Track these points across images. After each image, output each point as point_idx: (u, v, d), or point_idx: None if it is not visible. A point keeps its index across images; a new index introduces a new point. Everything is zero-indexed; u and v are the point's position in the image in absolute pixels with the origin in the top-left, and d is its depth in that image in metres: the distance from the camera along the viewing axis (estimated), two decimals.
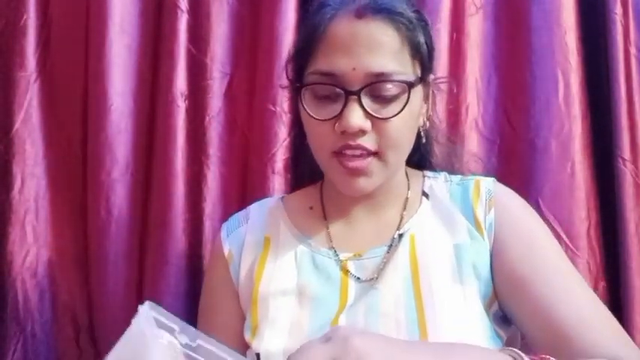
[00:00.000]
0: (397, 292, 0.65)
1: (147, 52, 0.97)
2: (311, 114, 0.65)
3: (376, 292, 0.66)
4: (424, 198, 0.73)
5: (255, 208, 0.80)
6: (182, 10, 0.94)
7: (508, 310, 0.66)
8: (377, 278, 0.67)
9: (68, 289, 0.96)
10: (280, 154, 0.92)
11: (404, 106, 0.63)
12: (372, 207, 0.73)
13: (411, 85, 0.64)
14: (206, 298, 0.79)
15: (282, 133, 0.92)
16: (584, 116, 0.91)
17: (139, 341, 0.42)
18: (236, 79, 0.97)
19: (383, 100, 0.63)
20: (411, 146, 0.70)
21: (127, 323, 1.01)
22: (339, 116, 0.63)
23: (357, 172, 0.64)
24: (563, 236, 0.88)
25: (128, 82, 0.95)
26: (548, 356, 0.51)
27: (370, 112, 0.62)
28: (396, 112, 0.63)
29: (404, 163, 0.73)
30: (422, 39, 0.66)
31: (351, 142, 0.63)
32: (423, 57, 0.67)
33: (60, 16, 0.97)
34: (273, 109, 0.92)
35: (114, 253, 0.92)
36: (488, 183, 0.72)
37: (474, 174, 0.78)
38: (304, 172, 0.84)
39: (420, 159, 0.79)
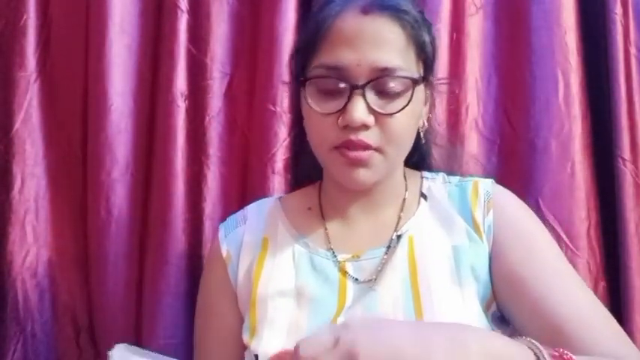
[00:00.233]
0: (395, 294, 0.65)
1: (147, 52, 0.97)
2: (314, 107, 0.65)
3: (374, 294, 0.66)
4: (422, 199, 0.73)
5: (252, 209, 0.80)
6: (182, 10, 0.94)
7: (507, 311, 0.65)
8: (375, 280, 0.67)
9: (68, 289, 0.96)
10: (280, 154, 0.92)
11: (408, 103, 0.64)
12: (369, 207, 0.73)
13: (415, 82, 0.64)
14: (204, 299, 0.79)
15: (282, 133, 0.92)
16: (584, 116, 0.91)
17: None
18: (236, 79, 0.97)
19: (387, 95, 0.63)
20: (411, 145, 0.70)
21: (127, 323, 1.01)
22: (342, 110, 0.63)
23: (358, 163, 0.64)
24: (563, 236, 0.88)
25: (128, 82, 0.95)
26: (567, 352, 0.49)
27: (374, 107, 0.63)
28: (399, 108, 0.63)
29: (402, 163, 0.73)
30: (427, 38, 0.67)
31: (353, 138, 0.63)
32: (428, 57, 0.68)
33: (60, 16, 0.97)
34: (273, 109, 0.92)
35: (114, 253, 0.92)
36: (487, 184, 0.72)
37: (472, 175, 0.78)
38: (304, 172, 0.84)
39: (418, 160, 0.79)
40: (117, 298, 0.92)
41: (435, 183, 0.75)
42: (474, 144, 0.94)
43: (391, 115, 0.63)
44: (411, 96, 0.64)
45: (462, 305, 0.63)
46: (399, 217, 0.72)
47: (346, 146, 0.64)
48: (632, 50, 0.91)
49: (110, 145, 0.93)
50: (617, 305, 0.87)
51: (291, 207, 0.78)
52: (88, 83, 0.95)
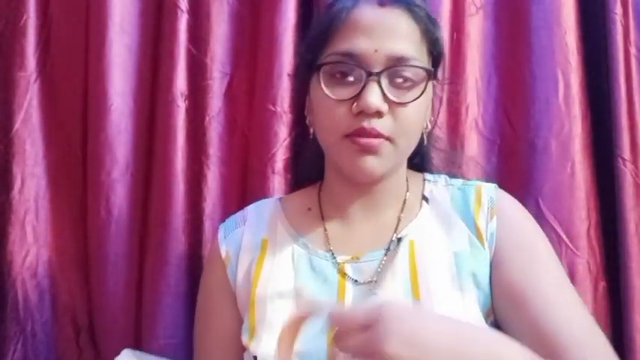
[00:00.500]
0: (396, 297, 0.64)
1: (147, 52, 0.97)
2: (328, 94, 0.64)
3: (374, 296, 0.65)
4: (424, 202, 0.73)
5: (252, 210, 0.80)
6: (182, 10, 0.94)
7: (503, 320, 0.65)
8: (375, 282, 0.67)
9: (68, 289, 0.95)
10: (280, 154, 0.92)
11: (422, 93, 0.64)
12: (370, 206, 0.72)
13: (429, 74, 0.65)
14: (203, 300, 0.79)
15: (282, 133, 0.92)
16: (584, 116, 0.91)
17: None
18: (236, 79, 0.97)
19: (401, 85, 0.64)
20: (417, 141, 0.70)
21: (127, 323, 1.01)
22: (357, 96, 0.63)
23: (369, 150, 0.64)
24: (563, 236, 0.88)
25: (128, 82, 0.95)
26: None
27: (389, 95, 0.63)
28: (414, 98, 0.64)
29: (406, 162, 0.73)
30: (439, 35, 0.68)
31: (366, 125, 0.63)
32: (439, 53, 0.69)
33: (60, 16, 0.97)
34: (273, 109, 0.92)
35: (114, 253, 0.92)
36: (490, 190, 0.72)
37: (475, 179, 0.77)
38: (304, 172, 0.84)
39: (420, 162, 0.79)
40: (117, 298, 0.92)
41: (437, 186, 0.75)
42: (473, 144, 0.94)
43: (405, 104, 0.64)
44: (425, 87, 0.65)
45: (462, 312, 0.63)
46: (399, 219, 0.72)
47: (358, 134, 0.63)
48: (632, 50, 0.91)
49: (110, 145, 0.93)
50: (617, 305, 0.87)
51: (290, 208, 0.77)
52: (88, 83, 0.95)
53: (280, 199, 0.81)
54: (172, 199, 0.92)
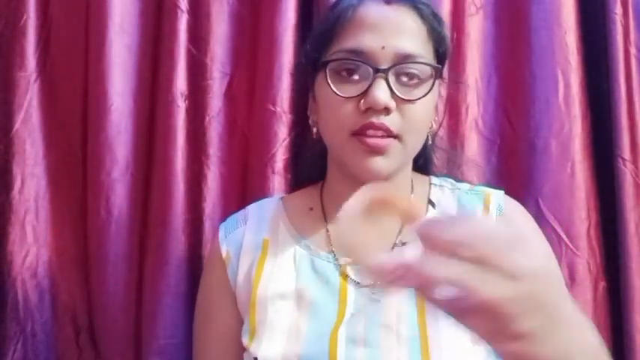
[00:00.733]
0: (400, 305, 0.64)
1: (147, 52, 0.97)
2: (335, 91, 0.64)
3: (377, 303, 0.65)
4: (430, 207, 0.72)
5: (253, 209, 0.79)
6: (182, 10, 0.94)
7: None
8: (377, 285, 0.66)
9: (68, 289, 0.95)
10: (280, 154, 0.92)
11: (429, 90, 0.64)
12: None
13: (436, 72, 0.65)
14: (203, 299, 0.78)
15: (282, 133, 0.92)
16: (584, 116, 0.91)
17: None
18: (236, 79, 0.97)
19: (408, 82, 0.64)
20: (424, 140, 0.69)
21: (127, 323, 1.01)
22: (364, 93, 0.62)
23: (376, 150, 0.63)
24: (563, 236, 0.88)
25: (128, 82, 0.95)
26: None
27: (396, 92, 0.62)
28: (421, 95, 0.63)
29: (411, 163, 0.72)
30: (445, 33, 0.68)
31: (375, 121, 0.62)
32: (445, 52, 0.69)
33: (60, 16, 0.97)
34: (273, 109, 0.92)
35: (114, 253, 0.92)
36: (499, 197, 0.71)
37: (481, 183, 0.77)
38: (304, 172, 0.84)
39: (424, 164, 0.78)
40: (117, 298, 0.92)
41: (444, 191, 0.74)
42: (473, 144, 0.94)
43: (413, 101, 0.63)
44: (432, 84, 0.64)
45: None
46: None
47: (366, 130, 0.62)
48: (632, 50, 0.91)
49: (110, 145, 0.93)
50: (617, 305, 0.87)
51: (292, 207, 0.77)
52: (88, 83, 0.95)
53: (282, 198, 0.80)
54: (172, 199, 0.92)
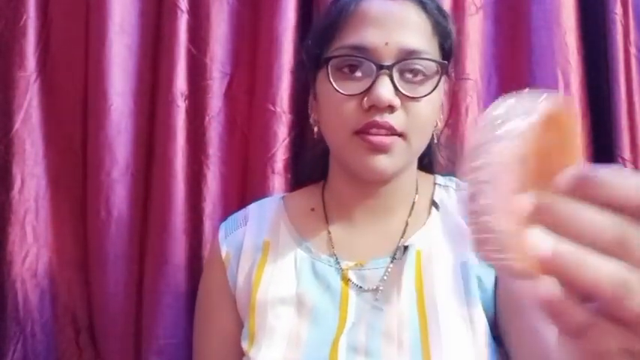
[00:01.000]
0: (401, 312, 0.62)
1: (147, 52, 0.97)
2: (337, 88, 0.61)
3: (380, 313, 0.63)
4: (434, 209, 0.70)
5: (254, 209, 0.78)
6: (182, 10, 0.94)
7: (502, 329, 0.62)
8: (381, 291, 0.64)
9: (68, 289, 0.95)
10: (280, 154, 0.92)
11: (435, 87, 0.62)
12: (376, 210, 0.69)
13: (442, 68, 0.63)
14: (202, 301, 0.77)
15: (282, 133, 0.92)
16: (584, 116, 0.91)
17: None
18: (236, 79, 0.97)
19: (413, 79, 0.61)
20: (429, 139, 0.67)
21: (127, 323, 1.01)
22: (368, 91, 0.60)
23: (380, 148, 0.61)
24: None
25: (128, 82, 0.95)
26: None
27: (401, 89, 0.60)
28: (426, 93, 0.61)
29: (416, 162, 0.71)
30: (450, 28, 0.66)
31: (378, 119, 0.60)
32: (450, 47, 0.67)
33: (60, 16, 0.97)
34: (273, 109, 0.92)
35: (114, 253, 0.92)
36: None
37: None
38: (304, 172, 0.83)
39: (429, 163, 0.76)
40: (117, 298, 0.92)
41: (449, 192, 0.72)
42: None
43: (418, 99, 0.61)
44: (438, 81, 0.62)
45: (470, 327, 0.60)
46: (407, 224, 0.69)
47: (370, 128, 0.60)
48: (632, 50, 0.91)
49: (110, 145, 0.93)
50: None
51: (294, 207, 0.75)
52: (88, 83, 0.95)
53: (283, 197, 0.78)
54: (172, 199, 0.92)
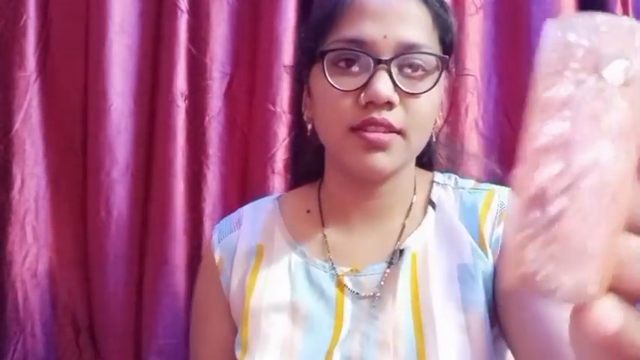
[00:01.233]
0: (396, 320, 0.60)
1: (147, 52, 0.97)
2: (333, 83, 0.58)
3: (376, 322, 0.61)
4: (430, 208, 0.67)
5: (248, 211, 0.75)
6: (182, 10, 0.94)
7: (502, 323, 0.61)
8: (378, 297, 0.62)
9: (68, 289, 0.95)
10: (280, 154, 0.92)
11: (435, 83, 0.59)
12: (373, 212, 0.67)
13: (443, 63, 0.60)
14: (197, 305, 0.76)
15: (282, 133, 0.92)
16: None
17: None
18: (236, 79, 0.97)
19: (412, 74, 0.59)
20: (429, 136, 0.65)
21: (127, 323, 1.00)
22: (365, 86, 0.57)
23: (378, 146, 0.58)
24: None
25: (128, 82, 0.95)
26: None
27: (400, 85, 0.57)
28: (426, 89, 0.58)
29: (414, 161, 0.68)
30: (451, 21, 0.63)
31: (376, 116, 0.57)
32: (451, 41, 0.64)
33: (60, 16, 0.97)
34: (273, 109, 0.92)
35: (114, 253, 0.92)
36: (503, 195, 0.66)
37: (487, 181, 0.72)
38: (303, 172, 0.80)
39: (428, 161, 0.74)
40: (117, 298, 0.92)
41: (447, 191, 0.69)
42: (473, 144, 0.94)
43: (417, 95, 0.58)
44: (439, 77, 0.59)
45: (466, 337, 0.59)
46: (404, 226, 0.66)
47: (367, 126, 0.57)
48: None
49: (110, 145, 0.93)
50: None
51: (289, 209, 0.73)
52: (88, 83, 0.95)
53: (278, 197, 0.76)
54: (172, 199, 0.92)
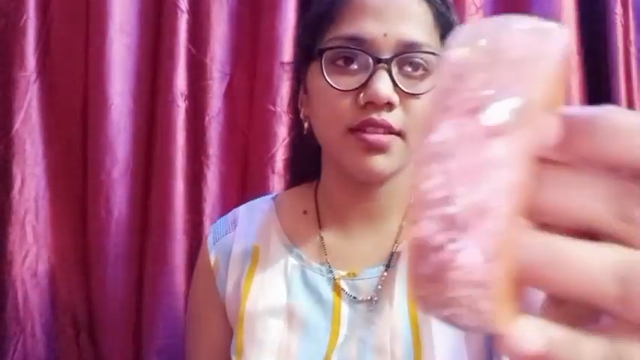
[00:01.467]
0: (393, 325, 0.59)
1: (147, 52, 0.97)
2: (331, 83, 0.56)
3: (370, 324, 0.60)
4: None
5: (244, 212, 0.73)
6: (182, 10, 0.94)
7: None
8: (375, 302, 0.61)
9: (68, 289, 0.95)
10: (280, 154, 0.92)
11: None
12: (371, 214, 0.65)
13: None
14: (193, 306, 0.75)
15: (282, 133, 0.92)
16: None
17: None
18: (236, 79, 0.97)
19: (412, 74, 0.57)
20: None
21: (127, 323, 1.00)
22: (364, 86, 0.55)
23: (377, 148, 0.56)
24: None
25: (128, 82, 0.95)
26: None
27: (400, 85, 0.55)
28: (428, 89, 0.56)
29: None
30: (454, 19, 0.62)
31: (376, 117, 0.55)
32: None
33: (60, 16, 0.97)
34: (273, 109, 0.92)
35: (114, 253, 0.92)
36: None
37: None
38: (298, 171, 0.79)
39: None
40: (117, 298, 0.92)
41: None
42: None
43: (418, 96, 0.56)
44: None
45: (463, 339, 0.58)
46: (401, 227, 0.65)
47: (366, 127, 0.56)
48: (632, 50, 0.91)
49: (110, 145, 0.93)
50: None
51: (285, 210, 0.71)
52: (88, 83, 0.95)
53: (275, 197, 0.74)
54: (172, 199, 0.92)
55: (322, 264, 0.65)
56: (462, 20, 0.94)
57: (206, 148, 0.94)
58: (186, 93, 0.94)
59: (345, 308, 0.62)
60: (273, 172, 0.92)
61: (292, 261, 0.65)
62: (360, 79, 0.56)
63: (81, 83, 0.96)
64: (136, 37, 0.96)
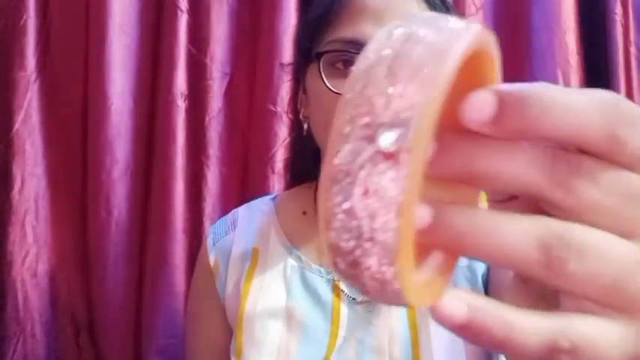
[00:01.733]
0: (392, 326, 0.60)
1: (147, 52, 0.97)
2: (329, 86, 0.56)
3: (369, 325, 0.61)
4: None
5: (243, 213, 0.73)
6: (182, 10, 0.94)
7: None
8: (372, 304, 0.61)
9: (68, 289, 0.96)
10: (280, 154, 0.92)
11: None
12: None
13: None
14: (192, 306, 0.75)
15: (282, 133, 0.92)
16: None
17: None
18: (236, 79, 0.97)
19: None
20: None
21: (127, 323, 1.00)
22: None
23: None
24: None
25: (128, 82, 0.95)
26: None
27: None
28: None
29: None
30: None
31: None
32: None
33: (60, 16, 0.97)
34: (273, 109, 0.92)
35: (114, 253, 0.92)
36: None
37: None
38: (298, 171, 0.78)
39: None
40: (117, 298, 0.92)
41: None
42: None
43: None
44: None
45: (461, 340, 0.58)
46: None
47: None
48: (632, 50, 0.91)
49: (110, 145, 0.93)
50: None
51: (285, 210, 0.71)
52: (88, 83, 0.95)
53: (274, 198, 0.74)
54: (172, 199, 0.92)
55: (321, 265, 0.65)
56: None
57: (206, 148, 0.94)
58: (186, 93, 0.94)
59: (344, 309, 0.62)
60: (273, 172, 0.92)
61: (292, 262, 0.66)
62: None
63: (81, 83, 0.96)
64: (136, 37, 0.96)
